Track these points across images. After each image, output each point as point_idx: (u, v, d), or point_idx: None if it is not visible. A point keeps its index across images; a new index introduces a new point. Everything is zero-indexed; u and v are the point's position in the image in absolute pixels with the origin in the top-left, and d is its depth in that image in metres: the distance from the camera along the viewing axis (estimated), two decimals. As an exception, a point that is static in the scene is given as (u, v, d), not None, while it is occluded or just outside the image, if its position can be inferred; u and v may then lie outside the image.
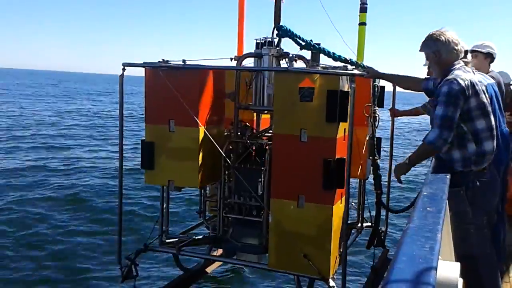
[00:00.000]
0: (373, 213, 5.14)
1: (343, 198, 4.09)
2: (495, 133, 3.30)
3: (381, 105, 5.21)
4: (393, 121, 5.53)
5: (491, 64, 4.86)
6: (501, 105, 4.09)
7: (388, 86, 4.98)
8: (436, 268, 1.32)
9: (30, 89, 50.45)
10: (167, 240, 4.75)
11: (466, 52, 4.50)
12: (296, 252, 3.96)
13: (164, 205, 4.73)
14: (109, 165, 9.64)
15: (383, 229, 5.69)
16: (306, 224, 3.94)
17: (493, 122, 3.30)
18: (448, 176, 2.79)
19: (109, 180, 8.40)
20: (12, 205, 7.09)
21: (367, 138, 4.97)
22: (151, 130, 4.43)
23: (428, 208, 1.94)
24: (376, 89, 4.74)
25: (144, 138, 4.44)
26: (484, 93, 3.25)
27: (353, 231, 5.45)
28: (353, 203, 5.54)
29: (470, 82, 3.17)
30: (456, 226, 2.90)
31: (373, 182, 5.01)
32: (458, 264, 1.77)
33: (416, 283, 1.20)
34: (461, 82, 3.12)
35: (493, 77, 4.16)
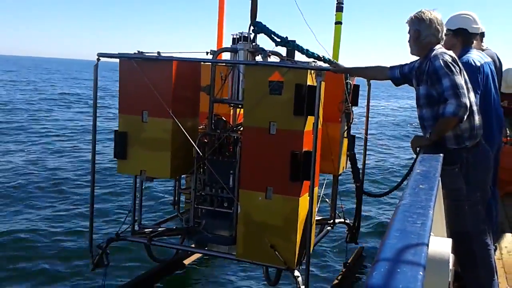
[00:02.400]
0: (346, 209, 5.25)
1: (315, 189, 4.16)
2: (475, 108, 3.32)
3: (355, 103, 5.31)
4: (367, 118, 5.61)
5: (483, 40, 4.58)
6: (497, 85, 4.12)
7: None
8: (427, 244, 1.32)
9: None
10: (140, 230, 4.80)
11: (482, 34, 4.52)
12: (263, 242, 4.03)
13: (137, 195, 4.78)
14: (83, 153, 9.58)
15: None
16: (273, 215, 4.00)
17: (474, 98, 3.33)
18: (441, 155, 2.81)
19: (82, 167, 8.38)
20: None
21: (342, 134, 5.08)
22: (125, 120, 4.47)
23: (420, 186, 1.95)
24: (349, 86, 4.83)
25: (117, 128, 4.49)
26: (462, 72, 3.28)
27: (326, 227, 5.55)
28: (326, 200, 5.65)
29: (454, 58, 3.25)
30: (450, 203, 2.92)
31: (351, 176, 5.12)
32: (450, 240, 1.77)
33: (407, 258, 1.19)
34: (449, 55, 3.22)
35: (488, 56, 4.14)
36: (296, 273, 4.00)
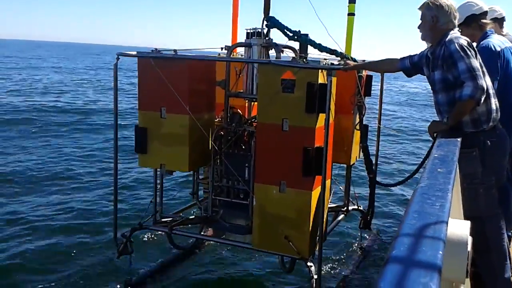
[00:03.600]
0: (360, 195, 5.39)
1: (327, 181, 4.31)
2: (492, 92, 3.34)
3: (368, 94, 5.40)
4: (380, 107, 5.69)
5: (504, 25, 4.57)
6: None
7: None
8: (447, 225, 1.30)
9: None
10: (161, 220, 5.05)
11: (502, 19, 4.52)
12: (278, 233, 4.22)
13: (158, 186, 5.02)
14: (107, 146, 9.82)
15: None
16: (287, 208, 4.18)
17: (490, 82, 3.35)
18: (459, 140, 2.83)
19: (105, 161, 8.61)
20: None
21: (354, 126, 5.19)
22: (144, 116, 4.67)
23: (438, 169, 1.94)
24: (360, 79, 4.91)
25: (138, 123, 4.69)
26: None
27: (340, 214, 5.72)
28: (341, 187, 5.81)
29: (469, 42, 3.30)
30: (466, 187, 2.96)
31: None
32: (468, 222, 1.75)
33: (427, 238, 1.18)
34: (464, 39, 3.27)
35: (509, 41, 4.15)
36: (309, 262, 4.20)
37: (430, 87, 3.61)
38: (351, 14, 5.33)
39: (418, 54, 3.77)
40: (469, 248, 1.66)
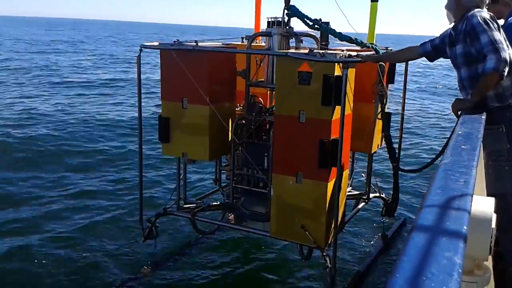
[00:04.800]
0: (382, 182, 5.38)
1: (344, 172, 4.35)
2: None
3: (391, 81, 5.33)
4: (404, 96, 5.62)
5: None
6: None
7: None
8: (471, 200, 1.27)
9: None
10: (184, 206, 5.22)
11: None
12: (295, 223, 4.30)
13: (181, 174, 5.18)
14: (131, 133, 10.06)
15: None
16: (303, 198, 4.25)
17: None
18: (483, 117, 2.79)
19: (130, 147, 8.85)
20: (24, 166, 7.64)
21: (376, 114, 5.16)
22: (167, 106, 4.80)
23: (462, 146, 1.92)
24: (381, 68, 4.85)
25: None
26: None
27: (361, 202, 5.74)
28: (362, 174, 5.82)
29: (492, 16, 3.27)
30: (491, 164, 2.98)
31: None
32: (493, 198, 1.72)
33: (451, 213, 1.16)
34: (486, 13, 3.26)
35: None
36: (325, 252, 4.28)
37: (453, 65, 3.58)
38: (374, 0, 5.25)
39: (439, 36, 3.75)
40: (493, 225, 1.65)
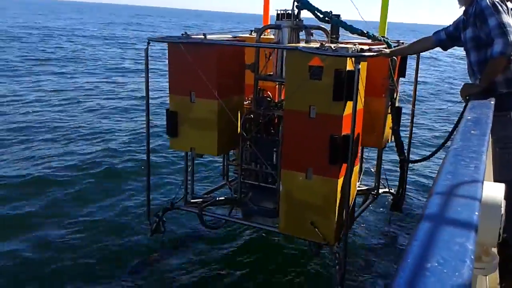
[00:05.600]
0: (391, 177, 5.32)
1: (354, 168, 4.29)
2: None
3: (402, 74, 5.25)
4: (415, 91, 5.53)
5: None
6: None
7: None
8: (482, 186, 1.25)
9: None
10: (192, 200, 5.18)
11: None
12: (304, 219, 4.25)
13: (189, 168, 5.13)
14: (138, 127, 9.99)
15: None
16: (313, 195, 4.19)
17: None
18: (492, 102, 2.76)
19: (137, 143, 8.78)
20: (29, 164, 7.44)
21: (386, 109, 5.09)
22: (174, 100, 4.74)
23: (472, 131, 1.89)
24: (393, 62, 4.77)
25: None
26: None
27: (370, 197, 5.69)
28: (371, 169, 5.75)
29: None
30: (498, 151, 2.97)
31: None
32: (503, 185, 1.70)
33: (462, 198, 1.14)
34: None
35: None
36: (335, 248, 4.23)
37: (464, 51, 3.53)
38: (386, -7, 5.15)
39: (453, 23, 3.70)
40: (503, 211, 1.62)
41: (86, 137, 9.05)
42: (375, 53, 4.04)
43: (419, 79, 5.55)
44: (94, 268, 4.74)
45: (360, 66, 3.77)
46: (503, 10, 3.12)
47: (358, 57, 3.79)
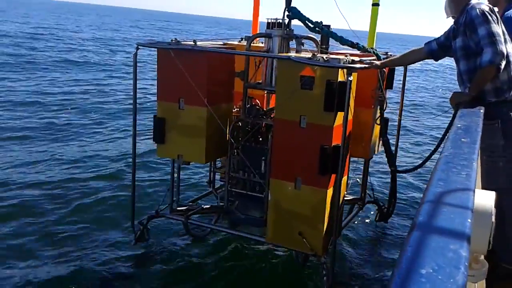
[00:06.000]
0: (376, 188, 5.34)
1: (343, 179, 4.28)
2: None
3: (390, 86, 5.29)
4: (402, 100, 5.58)
5: None
6: None
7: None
8: (474, 193, 1.24)
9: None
10: (178, 208, 5.10)
11: None
12: (292, 229, 4.22)
13: (175, 176, 5.06)
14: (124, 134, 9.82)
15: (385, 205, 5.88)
16: (302, 205, 4.17)
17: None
18: (482, 110, 2.77)
19: (122, 149, 8.64)
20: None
21: (374, 120, 5.11)
22: (162, 107, 4.67)
23: (462, 139, 1.89)
24: (382, 73, 4.80)
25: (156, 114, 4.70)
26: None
27: (356, 207, 5.70)
28: (358, 180, 5.77)
29: (491, 8, 3.27)
30: (485, 159, 2.98)
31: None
32: (493, 193, 1.70)
33: (455, 206, 1.13)
34: (486, 5, 3.26)
35: None
36: (323, 259, 4.21)
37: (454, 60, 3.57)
38: (375, 5, 5.21)
39: (444, 33, 3.75)
40: (493, 219, 1.63)
41: (72, 141, 8.88)
42: (367, 65, 4.05)
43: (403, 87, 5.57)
44: (76, 276, 4.62)
45: (352, 77, 3.78)
46: (493, 19, 3.16)
47: (350, 69, 3.79)
